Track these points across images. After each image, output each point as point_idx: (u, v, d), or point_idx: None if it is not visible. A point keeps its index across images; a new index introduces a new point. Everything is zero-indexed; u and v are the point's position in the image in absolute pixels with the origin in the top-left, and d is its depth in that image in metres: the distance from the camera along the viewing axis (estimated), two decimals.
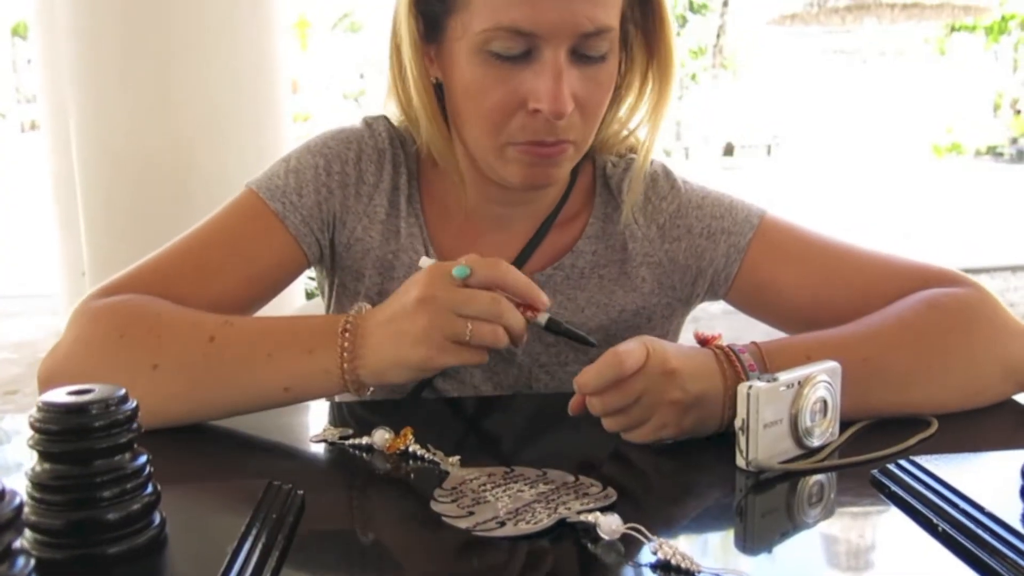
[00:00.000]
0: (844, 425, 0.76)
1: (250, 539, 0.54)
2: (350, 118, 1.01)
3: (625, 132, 0.97)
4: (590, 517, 0.58)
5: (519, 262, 0.95)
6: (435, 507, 0.63)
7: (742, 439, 0.68)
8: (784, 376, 0.70)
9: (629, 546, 0.56)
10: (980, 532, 0.56)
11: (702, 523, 0.64)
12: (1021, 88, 23.65)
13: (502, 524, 0.59)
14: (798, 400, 0.70)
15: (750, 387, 0.68)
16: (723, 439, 0.73)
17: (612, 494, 0.64)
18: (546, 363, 0.96)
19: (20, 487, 0.45)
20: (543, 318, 0.78)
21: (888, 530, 0.62)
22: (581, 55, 0.81)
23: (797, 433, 0.71)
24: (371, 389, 0.78)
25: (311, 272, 1.03)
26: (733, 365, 0.75)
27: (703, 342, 0.80)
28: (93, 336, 0.81)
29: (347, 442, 0.77)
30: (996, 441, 0.78)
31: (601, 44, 0.81)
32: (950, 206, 11.23)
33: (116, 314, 0.82)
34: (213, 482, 0.68)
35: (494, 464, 0.70)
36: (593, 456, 0.75)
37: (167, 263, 0.89)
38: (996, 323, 0.84)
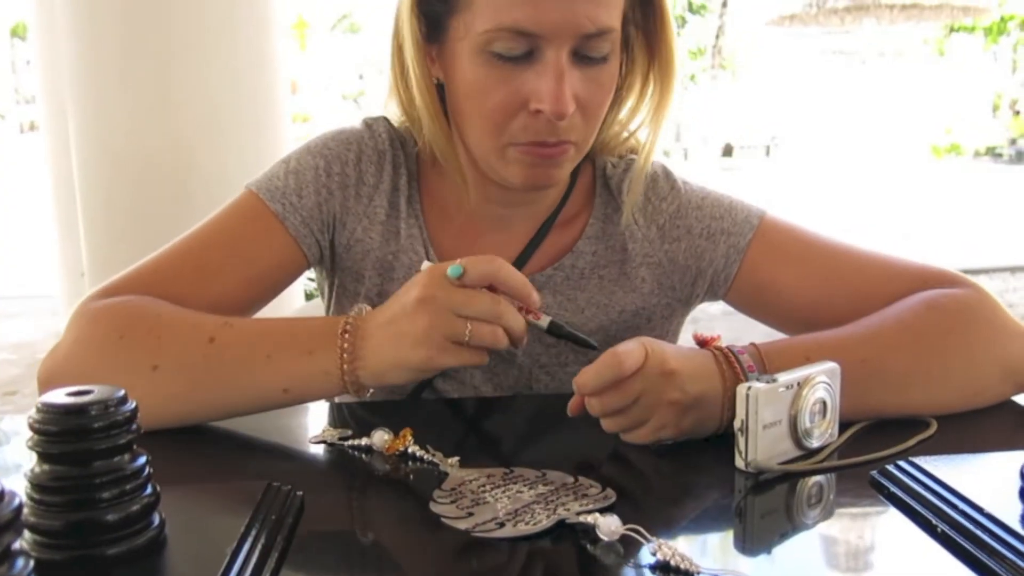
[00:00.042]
0: (843, 426, 0.76)
1: (249, 540, 0.54)
2: (349, 119, 1.01)
3: (625, 134, 0.97)
4: (589, 518, 0.58)
5: (519, 263, 0.95)
6: (434, 508, 0.63)
7: (741, 440, 0.68)
8: (783, 377, 0.70)
9: (628, 547, 0.56)
10: (979, 533, 0.56)
11: (701, 524, 0.65)
12: (1020, 89, 23.66)
13: (501, 525, 0.59)
14: (797, 401, 0.70)
15: (749, 388, 0.68)
16: (722, 440, 0.73)
17: (611, 495, 0.64)
18: (546, 364, 0.96)
19: (19, 488, 0.45)
20: (544, 321, 0.77)
21: (887, 531, 0.62)
22: (583, 56, 0.81)
23: (796, 434, 0.71)
24: (371, 391, 0.78)
25: (310, 273, 1.03)
26: (732, 366, 0.75)
27: (702, 343, 0.80)
28: (93, 337, 0.81)
29: (346, 443, 0.77)
30: (995, 442, 0.78)
31: (603, 45, 0.81)
32: (949, 207, 11.23)
33: (116, 315, 0.82)
34: (212, 483, 0.68)
35: (493, 465, 0.70)
36: (592, 457, 0.75)
37: (167, 264, 0.89)
38: (995, 324, 0.84)
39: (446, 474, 0.69)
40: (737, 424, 0.68)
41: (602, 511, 0.59)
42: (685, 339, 0.95)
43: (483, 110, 0.83)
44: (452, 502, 0.63)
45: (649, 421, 0.73)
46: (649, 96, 0.93)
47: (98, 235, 2.77)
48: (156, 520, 0.53)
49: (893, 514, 0.63)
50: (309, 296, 3.02)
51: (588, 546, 0.57)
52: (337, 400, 0.91)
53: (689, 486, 0.71)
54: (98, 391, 0.51)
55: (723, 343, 0.79)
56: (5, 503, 0.36)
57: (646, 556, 0.55)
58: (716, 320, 2.19)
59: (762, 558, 0.59)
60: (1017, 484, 0.60)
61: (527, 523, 0.59)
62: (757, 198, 0.98)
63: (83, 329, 0.82)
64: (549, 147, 0.84)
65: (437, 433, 0.78)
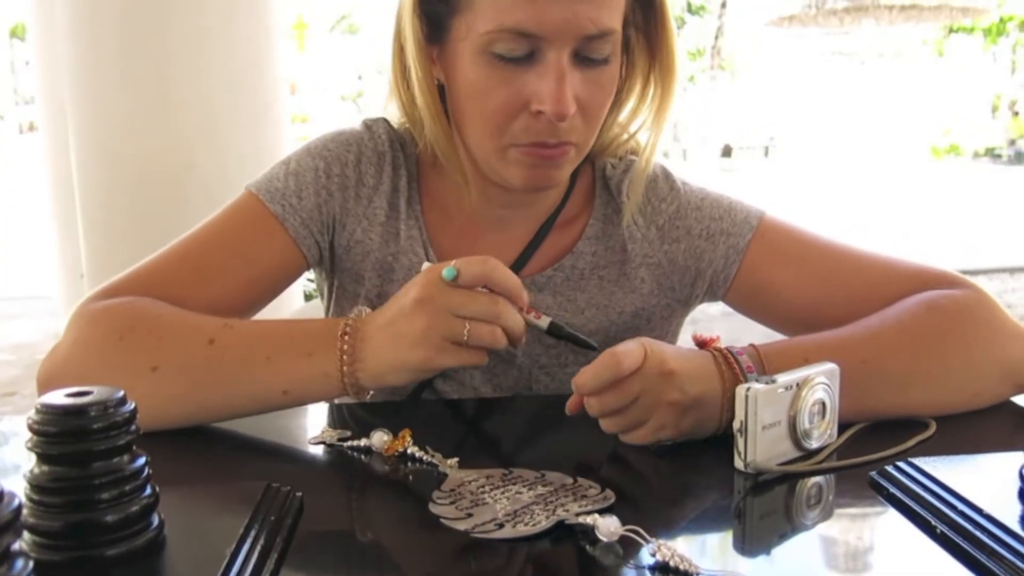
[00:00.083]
0: (842, 427, 0.76)
1: (248, 541, 0.54)
2: (348, 119, 1.01)
3: (625, 136, 0.97)
4: (588, 519, 0.58)
5: (519, 264, 0.95)
6: (433, 509, 0.63)
7: (740, 441, 0.68)
8: (782, 378, 0.70)
9: (627, 548, 0.56)
10: (978, 534, 0.56)
11: (701, 525, 0.65)
12: (1019, 90, 23.67)
13: (500, 526, 0.59)
14: (796, 402, 0.70)
15: (748, 389, 0.68)
16: (721, 441, 0.73)
17: (610, 496, 0.64)
18: (546, 364, 0.96)
19: (19, 489, 0.45)
20: (544, 322, 0.78)
21: (886, 532, 0.63)
22: (584, 57, 0.81)
23: (795, 435, 0.71)
24: (371, 393, 0.78)
25: (310, 274, 1.03)
26: (731, 367, 0.75)
27: (702, 344, 0.80)
28: (92, 338, 0.81)
29: (345, 444, 0.77)
30: (994, 443, 0.78)
31: (604, 47, 0.81)
32: (948, 208, 11.24)
33: (116, 316, 0.82)
34: (212, 484, 0.68)
35: (493, 466, 0.70)
36: (592, 458, 0.75)
37: (166, 265, 0.89)
38: (994, 325, 0.84)
39: (445, 475, 0.69)
40: (736, 425, 0.68)
41: (601, 512, 0.59)
42: (684, 340, 0.95)
43: (484, 111, 0.83)
44: (451, 503, 0.63)
45: (648, 422, 0.73)
46: (650, 99, 0.93)
47: (97, 236, 2.77)
48: (155, 521, 0.53)
49: (892, 515, 0.63)
50: (308, 297, 3.02)
51: (587, 547, 0.57)
52: (337, 401, 0.91)
53: (688, 487, 0.71)
54: (97, 392, 0.51)
55: (722, 344, 0.79)
56: (4, 504, 0.36)
57: (645, 557, 0.55)
58: (715, 321, 2.19)
59: (761, 559, 0.59)
60: (1016, 485, 0.60)
61: (526, 524, 0.59)
62: (756, 199, 0.98)
63: (83, 330, 0.82)
64: (550, 148, 0.84)
65: (436, 434, 0.78)
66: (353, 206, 0.95)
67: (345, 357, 0.76)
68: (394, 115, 0.98)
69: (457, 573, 0.57)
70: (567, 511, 0.61)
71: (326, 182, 0.94)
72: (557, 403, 0.79)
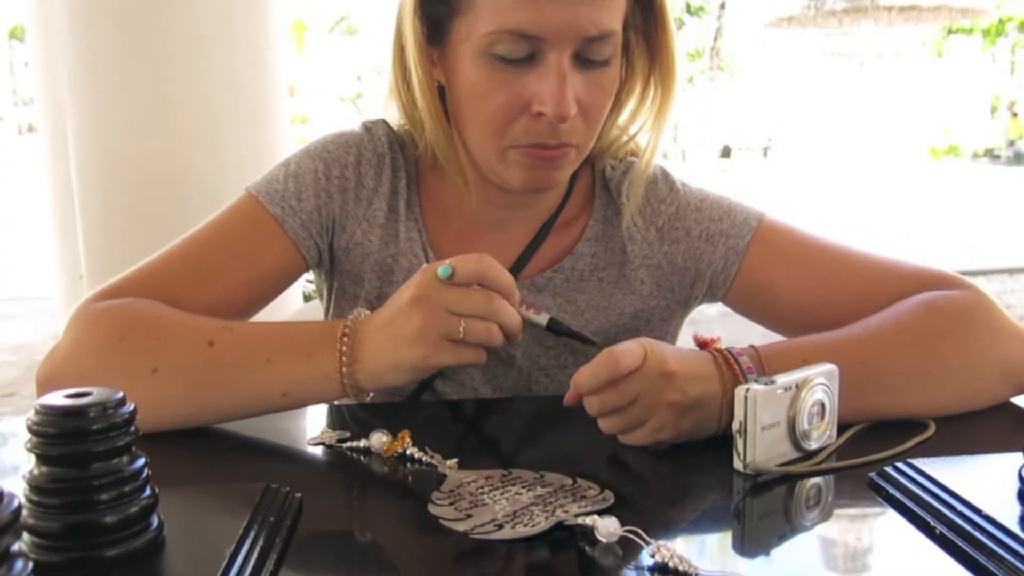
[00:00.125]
0: (842, 428, 0.76)
1: (248, 542, 0.54)
2: (347, 121, 1.01)
3: (625, 138, 0.98)
4: (588, 520, 0.58)
5: (519, 265, 0.95)
6: (433, 510, 0.63)
7: (740, 442, 0.68)
8: (782, 379, 0.70)
9: (627, 549, 0.56)
10: (977, 535, 0.56)
11: (700, 526, 0.65)
12: (1018, 90, 23.68)
13: (500, 527, 0.59)
14: (796, 403, 0.70)
15: (748, 390, 0.68)
16: (721, 442, 0.73)
17: (610, 497, 0.64)
18: (545, 366, 0.97)
19: (18, 490, 0.45)
20: (543, 318, 0.78)
21: (885, 533, 0.63)
22: (584, 59, 0.81)
23: (795, 436, 0.71)
24: (371, 394, 0.78)
25: (309, 275, 1.03)
26: (731, 368, 0.75)
27: (702, 345, 0.80)
28: (92, 339, 0.81)
29: (345, 445, 0.77)
30: (993, 444, 0.78)
31: (604, 48, 0.81)
32: (947, 208, 11.25)
33: (115, 317, 0.82)
34: (211, 485, 0.68)
35: (492, 467, 0.70)
36: (591, 459, 0.75)
37: (166, 266, 0.89)
38: (993, 326, 0.84)
39: (444, 476, 0.69)
40: (736, 426, 0.68)
41: (600, 513, 0.59)
42: (684, 341, 0.95)
43: (484, 112, 0.83)
44: (450, 504, 0.63)
45: (648, 422, 0.73)
46: (650, 101, 0.93)
47: (96, 237, 2.77)
48: (155, 522, 0.53)
49: (891, 516, 0.63)
50: (308, 298, 3.02)
51: (586, 548, 0.57)
52: (336, 402, 0.91)
53: (688, 488, 0.71)
54: (97, 393, 0.51)
55: (722, 345, 0.79)
56: (4, 505, 0.36)
57: (645, 558, 0.55)
58: (715, 322, 2.19)
59: (760, 560, 0.59)
60: (1015, 486, 0.60)
61: (525, 525, 0.59)
62: (755, 199, 0.99)
63: (82, 331, 0.82)
64: (550, 149, 0.84)
65: (435, 435, 0.78)
66: (353, 208, 0.95)
67: (344, 359, 0.76)
68: (393, 117, 0.98)
69: (456, 574, 0.57)
70: (566, 512, 0.61)
71: (326, 184, 0.94)
72: (556, 404, 0.80)
